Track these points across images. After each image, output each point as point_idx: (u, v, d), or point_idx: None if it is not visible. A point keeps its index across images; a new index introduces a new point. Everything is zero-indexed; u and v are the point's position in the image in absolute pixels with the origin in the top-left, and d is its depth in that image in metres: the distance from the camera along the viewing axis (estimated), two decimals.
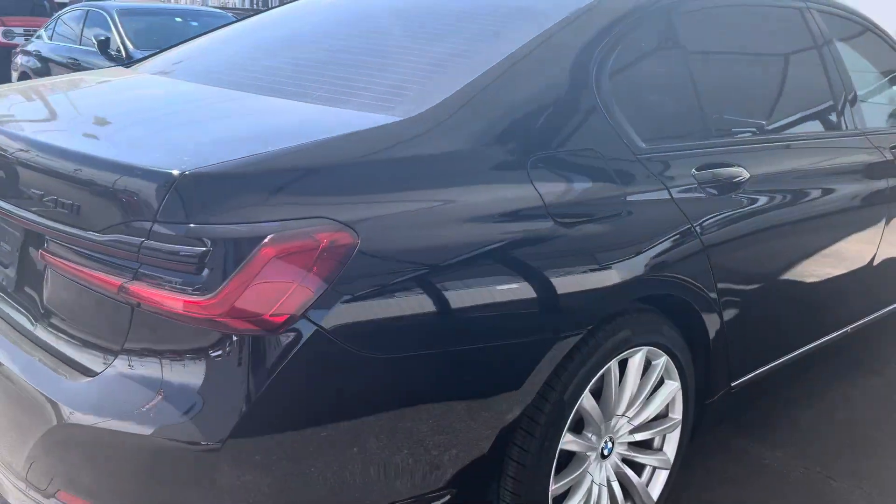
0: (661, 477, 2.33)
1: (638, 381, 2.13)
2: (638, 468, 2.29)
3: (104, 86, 2.27)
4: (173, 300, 1.48)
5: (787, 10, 2.80)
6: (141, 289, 1.51)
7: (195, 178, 1.48)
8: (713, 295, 2.24)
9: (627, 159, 2.06)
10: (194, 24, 8.20)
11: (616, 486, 2.19)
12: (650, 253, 2.01)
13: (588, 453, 2.08)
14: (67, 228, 1.64)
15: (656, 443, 2.33)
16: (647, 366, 2.18)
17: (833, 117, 2.90)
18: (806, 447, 2.92)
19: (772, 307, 2.57)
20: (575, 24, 2.13)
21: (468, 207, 1.71)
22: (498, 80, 1.92)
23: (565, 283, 1.82)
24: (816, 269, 2.72)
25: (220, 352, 1.50)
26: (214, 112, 1.99)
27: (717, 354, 2.36)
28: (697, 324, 2.26)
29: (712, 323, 2.28)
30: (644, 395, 2.17)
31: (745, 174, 2.35)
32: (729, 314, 2.35)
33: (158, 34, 7.69)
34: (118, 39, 7.62)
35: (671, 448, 2.33)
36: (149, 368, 1.55)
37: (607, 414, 2.08)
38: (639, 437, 2.22)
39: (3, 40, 13.25)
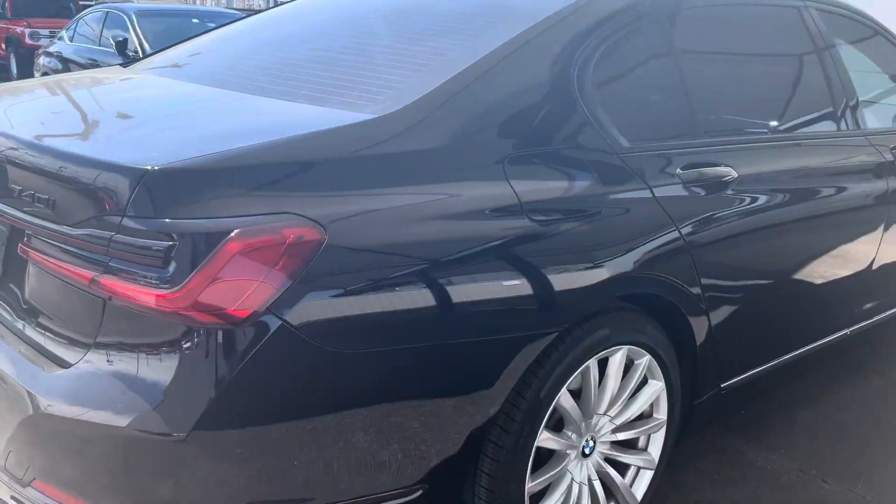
0: (646, 477, 2.32)
1: (619, 380, 2.13)
2: (622, 468, 2.29)
3: (93, 85, 2.31)
4: (141, 293, 1.51)
5: (783, 9, 2.77)
6: (111, 282, 1.54)
7: (163, 173, 1.51)
8: (698, 295, 2.23)
9: (609, 158, 2.06)
10: (211, 25, 8.28)
11: (598, 485, 2.18)
12: (629, 252, 2.00)
13: (568, 451, 2.08)
14: (44, 223, 1.67)
15: (641, 442, 2.32)
16: (631, 365, 2.18)
17: (829, 117, 2.87)
18: (801, 449, 2.90)
19: (763, 309, 2.55)
20: (558, 24, 2.13)
21: (440, 205, 1.73)
22: (476, 78, 1.93)
23: (538, 282, 1.83)
24: (811, 271, 2.69)
25: (187, 345, 1.52)
26: (196, 110, 2.02)
27: (704, 355, 2.35)
28: (683, 324, 2.25)
29: (698, 323, 2.27)
30: (626, 395, 2.16)
31: (734, 174, 2.33)
32: (716, 315, 2.33)
33: (176, 35, 7.77)
34: (136, 40, 7.72)
35: (656, 448, 2.32)
36: (119, 360, 1.58)
37: (587, 412, 2.08)
38: (621, 436, 2.22)
39: (29, 41, 13.47)
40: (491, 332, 1.78)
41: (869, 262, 2.98)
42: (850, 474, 2.76)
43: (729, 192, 2.31)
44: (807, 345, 2.87)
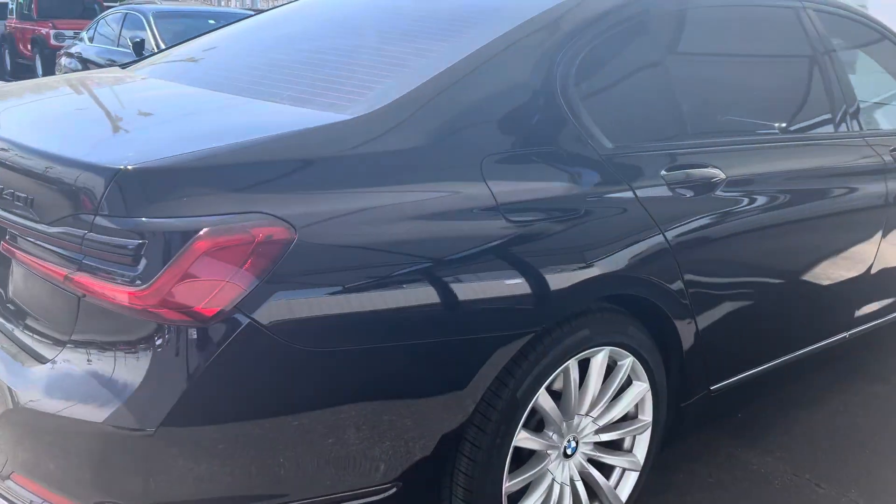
0: (631, 479, 2.31)
1: (600, 381, 2.12)
2: (606, 469, 2.28)
3: (83, 85, 2.34)
4: (112, 290, 1.54)
5: (777, 10, 2.75)
6: (84, 279, 1.57)
7: (134, 173, 1.53)
8: (683, 297, 2.22)
9: (591, 159, 2.06)
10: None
11: (580, 485, 2.18)
12: (608, 253, 2.00)
13: (548, 452, 2.08)
14: (24, 221, 1.71)
15: (626, 444, 2.32)
16: (614, 366, 2.17)
17: (824, 118, 2.84)
18: (797, 453, 2.87)
19: (753, 313, 2.52)
20: (541, 25, 2.13)
21: (415, 205, 1.73)
22: (456, 79, 1.94)
23: (513, 283, 1.83)
24: (803, 274, 2.67)
25: (157, 342, 1.55)
26: (180, 110, 2.05)
27: (691, 357, 2.34)
28: (668, 326, 2.24)
29: (683, 326, 2.26)
30: (608, 396, 2.16)
31: (721, 175, 2.32)
32: (704, 318, 2.32)
33: (192, 36, 7.86)
34: (153, 41, 7.82)
35: (641, 450, 2.31)
36: (93, 357, 1.61)
37: (568, 413, 2.08)
38: (605, 437, 2.21)
39: (54, 42, 13.65)
40: (464, 332, 1.79)
41: (866, 266, 2.95)
42: (845, 479, 2.73)
43: (716, 193, 2.30)
44: (800, 349, 2.85)
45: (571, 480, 2.16)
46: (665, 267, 2.15)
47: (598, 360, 2.09)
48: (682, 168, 2.25)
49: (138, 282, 1.51)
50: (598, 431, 2.19)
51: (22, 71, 14.99)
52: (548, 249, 1.90)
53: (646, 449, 2.31)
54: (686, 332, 2.28)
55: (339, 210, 1.64)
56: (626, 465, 2.29)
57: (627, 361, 2.16)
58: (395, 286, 1.68)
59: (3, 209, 1.77)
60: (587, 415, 2.13)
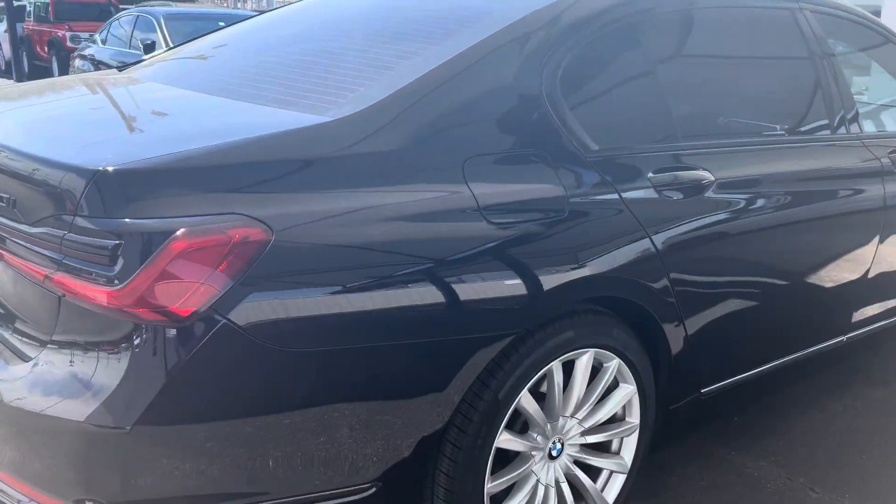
0: (618, 481, 2.31)
1: (585, 382, 2.12)
2: (594, 471, 2.28)
3: (75, 88, 2.37)
4: (90, 290, 1.56)
5: (772, 11, 2.74)
6: (63, 279, 1.59)
7: (113, 174, 1.55)
8: (670, 300, 2.21)
9: (575, 161, 2.06)
10: None
11: (566, 487, 2.18)
12: (592, 256, 2.00)
13: (533, 453, 2.08)
14: (8, 222, 1.73)
15: (614, 446, 2.32)
16: (600, 368, 2.17)
17: (820, 120, 2.82)
18: (793, 457, 2.86)
19: (744, 316, 2.50)
20: (528, 27, 2.13)
21: (395, 206, 1.74)
22: (439, 80, 1.94)
23: (493, 285, 1.83)
24: (794, 278, 2.66)
25: (135, 342, 1.56)
26: (164, 112, 2.07)
27: (679, 360, 2.33)
28: (655, 328, 2.24)
29: (671, 328, 2.26)
30: (594, 398, 2.16)
31: (710, 177, 2.31)
32: (693, 321, 2.32)
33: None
34: (163, 43, 7.88)
35: (629, 452, 2.31)
36: (73, 356, 1.63)
37: (552, 415, 2.08)
38: (591, 439, 2.21)
39: (70, 45, 13.80)
40: (442, 334, 1.79)
41: (861, 270, 2.92)
42: (840, 484, 2.71)
43: (704, 196, 2.29)
44: (795, 353, 2.84)
45: (557, 482, 2.16)
46: (650, 269, 2.14)
47: (583, 362, 2.09)
48: (671, 170, 2.24)
49: (115, 282, 1.53)
50: (584, 433, 2.19)
51: (39, 73, 15.15)
52: (528, 252, 1.90)
53: (633, 451, 2.31)
54: (674, 334, 2.27)
55: (317, 211, 1.65)
56: (614, 468, 2.29)
57: (613, 363, 2.16)
58: (373, 287, 1.69)
59: None
60: (572, 417, 2.13)
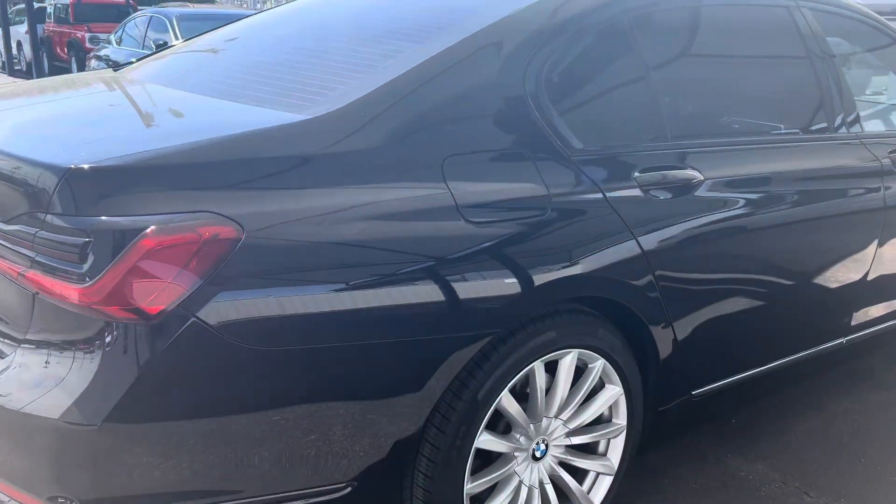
0: (605, 483, 2.29)
1: (569, 383, 2.11)
2: (580, 473, 2.26)
3: (62, 88, 2.39)
4: (60, 287, 1.56)
5: (768, 9, 2.70)
6: (35, 276, 1.60)
7: (84, 172, 1.55)
8: (657, 301, 2.19)
9: (558, 160, 2.04)
10: None
11: (550, 488, 2.17)
12: (574, 256, 1.98)
13: (515, 454, 2.07)
14: None
15: (601, 447, 2.30)
16: (585, 368, 2.16)
17: (816, 118, 2.78)
18: (789, 460, 2.82)
19: (735, 318, 2.46)
20: (512, 27, 2.12)
21: (372, 206, 1.73)
22: (420, 80, 1.94)
23: (471, 284, 1.81)
24: (788, 278, 2.62)
25: (106, 339, 1.57)
26: (144, 110, 2.07)
27: (667, 361, 2.31)
28: (642, 329, 2.22)
29: (658, 329, 2.23)
30: (579, 398, 2.14)
31: (699, 177, 2.29)
32: (682, 323, 2.29)
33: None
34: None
35: (616, 454, 2.29)
36: (47, 353, 1.64)
37: (535, 415, 2.06)
38: (576, 440, 2.19)
39: (89, 45, 13.94)
40: (419, 333, 1.78)
41: (860, 271, 2.88)
42: (836, 488, 2.68)
43: (693, 195, 2.27)
44: (790, 354, 2.80)
45: (541, 483, 2.15)
46: (636, 270, 2.12)
47: (567, 363, 2.08)
48: (658, 169, 2.21)
49: (86, 279, 1.53)
50: (569, 434, 2.17)
51: (59, 73, 15.31)
52: (507, 251, 1.88)
53: (620, 453, 2.29)
54: (661, 336, 2.25)
55: (290, 210, 1.65)
56: (600, 469, 2.27)
57: (598, 364, 2.14)
58: (347, 287, 1.68)
59: None
60: (557, 418, 2.11)
